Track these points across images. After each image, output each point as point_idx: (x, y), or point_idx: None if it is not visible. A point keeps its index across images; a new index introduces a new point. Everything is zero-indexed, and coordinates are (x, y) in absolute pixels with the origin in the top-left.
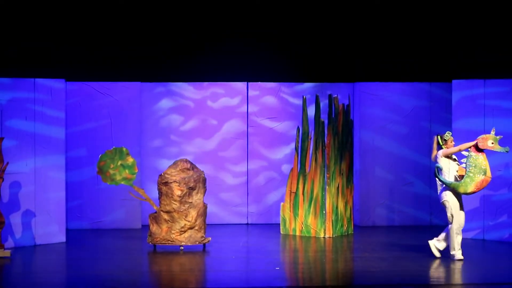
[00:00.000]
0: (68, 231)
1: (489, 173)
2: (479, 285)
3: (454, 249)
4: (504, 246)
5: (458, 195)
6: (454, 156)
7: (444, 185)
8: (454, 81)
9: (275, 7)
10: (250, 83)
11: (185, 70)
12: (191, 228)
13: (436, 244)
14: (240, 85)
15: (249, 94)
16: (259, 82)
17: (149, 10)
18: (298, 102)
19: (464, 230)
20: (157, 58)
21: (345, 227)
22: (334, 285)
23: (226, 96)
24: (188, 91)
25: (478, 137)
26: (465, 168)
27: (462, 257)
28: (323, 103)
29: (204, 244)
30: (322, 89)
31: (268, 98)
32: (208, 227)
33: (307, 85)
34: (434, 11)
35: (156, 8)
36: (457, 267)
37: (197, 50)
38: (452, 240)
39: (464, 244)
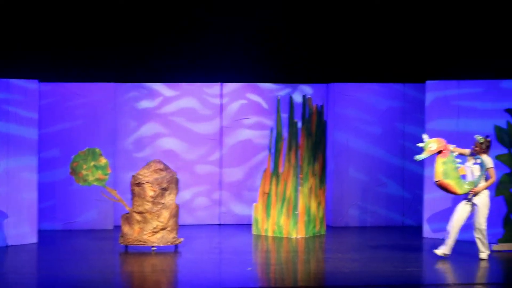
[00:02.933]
0: (40, 232)
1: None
2: (451, 286)
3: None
4: (476, 247)
5: None
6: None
7: None
8: (427, 82)
9: (247, 5)
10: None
11: (160, 70)
12: (163, 229)
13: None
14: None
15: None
16: (229, 83)
17: (124, 10)
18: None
19: (436, 231)
20: (132, 58)
21: (317, 228)
22: (306, 286)
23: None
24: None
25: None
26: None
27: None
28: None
29: (176, 245)
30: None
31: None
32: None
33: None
34: (407, 12)
35: (132, 8)
36: (430, 267)
37: (174, 50)
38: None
39: (436, 245)
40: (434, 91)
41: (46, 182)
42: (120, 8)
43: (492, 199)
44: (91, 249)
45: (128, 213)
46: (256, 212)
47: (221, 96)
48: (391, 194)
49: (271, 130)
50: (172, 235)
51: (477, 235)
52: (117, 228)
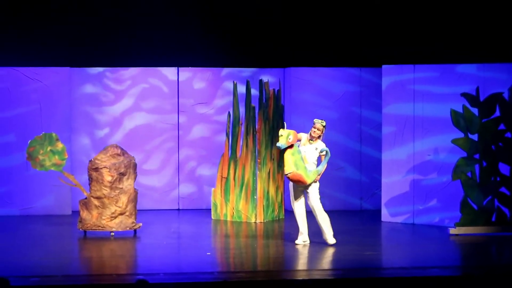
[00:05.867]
0: None
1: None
2: (409, 269)
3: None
4: (433, 230)
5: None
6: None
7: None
8: (384, 66)
9: None
10: (180, 68)
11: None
12: (121, 214)
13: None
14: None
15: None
16: (190, 68)
17: None
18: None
19: (394, 215)
20: (88, 42)
21: (276, 212)
22: (265, 270)
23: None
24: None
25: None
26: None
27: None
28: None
29: (135, 230)
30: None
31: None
32: (138, 212)
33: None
34: None
35: None
36: (388, 251)
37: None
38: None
39: (394, 228)
40: (390, 75)
41: (2, 168)
42: None
43: (449, 184)
44: (49, 235)
45: (86, 198)
46: (215, 197)
47: (178, 79)
48: (349, 178)
49: (229, 114)
50: (131, 220)
51: (321, 222)
52: (75, 213)
